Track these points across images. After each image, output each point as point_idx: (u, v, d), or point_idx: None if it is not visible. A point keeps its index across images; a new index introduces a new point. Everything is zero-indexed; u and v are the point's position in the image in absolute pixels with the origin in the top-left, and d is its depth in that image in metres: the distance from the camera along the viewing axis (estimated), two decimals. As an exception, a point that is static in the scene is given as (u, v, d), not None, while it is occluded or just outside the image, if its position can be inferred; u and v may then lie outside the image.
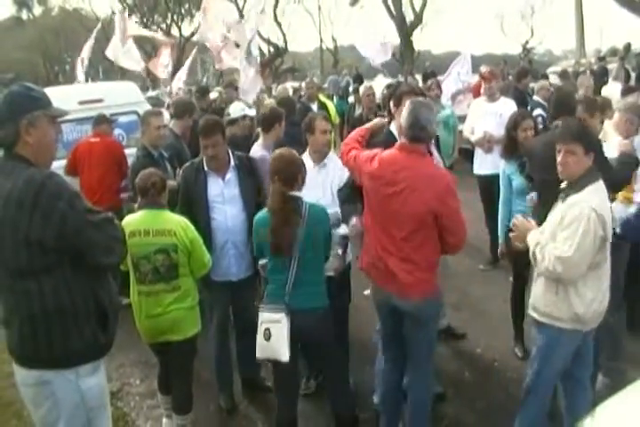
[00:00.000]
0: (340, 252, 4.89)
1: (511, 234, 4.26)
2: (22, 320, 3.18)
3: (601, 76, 16.60)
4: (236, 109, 7.32)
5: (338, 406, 4.53)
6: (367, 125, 4.93)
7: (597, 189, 3.88)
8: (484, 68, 9.20)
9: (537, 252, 3.93)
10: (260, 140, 6.27)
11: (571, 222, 3.78)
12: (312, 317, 4.23)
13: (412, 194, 4.07)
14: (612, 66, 17.69)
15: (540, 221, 4.17)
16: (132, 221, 4.51)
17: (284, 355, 4.17)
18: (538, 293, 4.09)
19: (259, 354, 4.33)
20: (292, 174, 4.27)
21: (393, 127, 4.91)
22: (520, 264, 5.09)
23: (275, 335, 4.21)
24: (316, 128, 5.25)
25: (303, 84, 14.17)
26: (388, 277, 4.25)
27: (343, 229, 4.89)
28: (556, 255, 3.78)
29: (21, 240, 3.04)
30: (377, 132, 4.92)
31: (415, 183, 4.08)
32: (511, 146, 5.92)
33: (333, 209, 5.10)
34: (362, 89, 9.87)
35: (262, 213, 4.39)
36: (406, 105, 4.27)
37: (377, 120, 5.05)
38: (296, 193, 4.27)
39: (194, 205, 5.06)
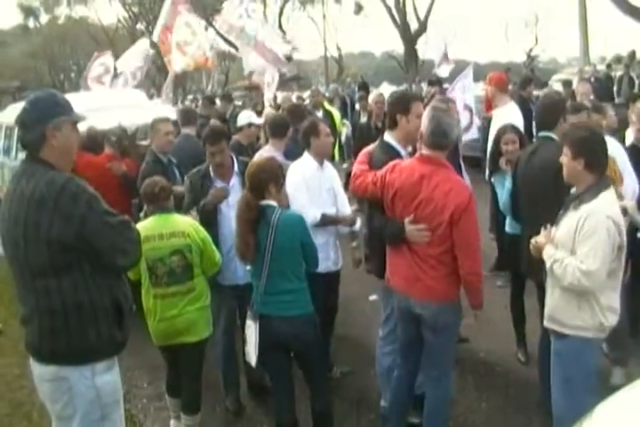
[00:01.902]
0: (354, 244, 5.35)
1: (531, 246, 4.13)
2: (42, 317, 3.29)
3: (605, 84, 16.70)
4: (242, 118, 7.41)
5: (317, 406, 4.48)
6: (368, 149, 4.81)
7: (609, 197, 3.83)
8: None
9: (555, 268, 3.85)
10: (268, 147, 6.36)
11: (591, 234, 3.71)
12: (288, 324, 4.21)
13: (429, 206, 4.07)
14: (617, 73, 17.79)
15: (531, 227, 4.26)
16: (145, 226, 4.58)
17: (253, 359, 4.28)
18: (558, 306, 3.98)
19: (245, 357, 4.46)
20: (261, 183, 4.21)
21: (389, 138, 4.75)
22: (519, 270, 5.15)
23: (247, 339, 4.32)
24: (320, 132, 5.36)
25: (307, 93, 14.36)
26: (411, 283, 4.25)
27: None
28: (582, 270, 3.70)
29: (43, 239, 3.16)
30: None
31: (432, 195, 4.05)
32: (495, 158, 5.95)
33: (334, 208, 5.38)
34: (372, 96, 9.97)
35: None
36: (426, 112, 4.25)
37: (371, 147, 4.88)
38: (268, 202, 4.21)
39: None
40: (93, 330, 3.32)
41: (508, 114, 8.05)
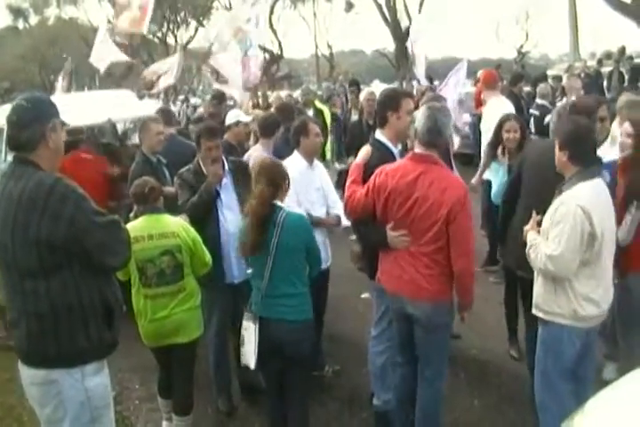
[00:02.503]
0: (352, 238, 5.32)
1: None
2: (30, 319, 3.27)
3: (596, 80, 16.71)
4: (230, 116, 7.38)
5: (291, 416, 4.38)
6: (358, 161, 4.68)
7: (590, 187, 3.90)
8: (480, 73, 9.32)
9: (531, 251, 4.05)
10: (258, 146, 6.36)
11: (559, 220, 3.87)
12: (287, 328, 4.15)
13: (424, 204, 4.06)
14: (607, 69, 17.81)
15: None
16: (134, 227, 4.57)
17: (251, 362, 4.19)
18: (539, 292, 4.13)
19: (241, 360, 4.36)
20: (277, 180, 4.21)
21: (380, 136, 4.72)
22: (512, 266, 5.14)
23: (245, 341, 4.25)
24: (310, 131, 5.40)
25: (298, 92, 14.36)
26: (403, 283, 4.24)
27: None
28: (546, 254, 3.89)
29: (32, 240, 3.15)
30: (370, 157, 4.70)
31: (427, 193, 4.05)
32: (495, 146, 6.10)
33: (325, 207, 5.42)
34: (363, 94, 9.96)
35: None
36: (422, 110, 4.26)
37: (363, 153, 4.75)
38: (276, 201, 4.19)
39: None
40: (83, 332, 3.30)
41: (500, 106, 8.11)
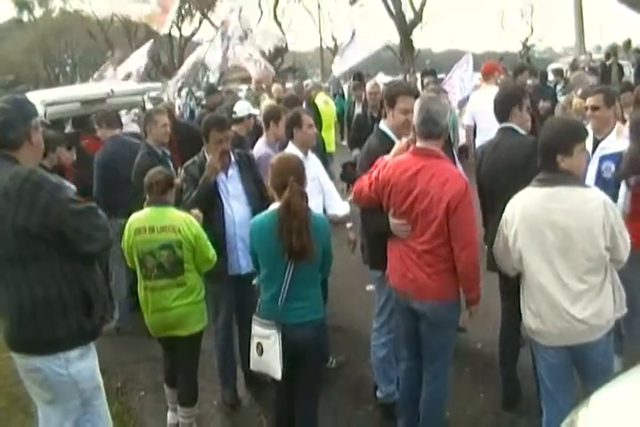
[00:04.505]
0: (348, 226, 5.64)
1: None
2: (11, 307, 3.38)
3: (601, 73, 16.65)
4: (242, 109, 7.33)
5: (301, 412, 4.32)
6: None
7: (522, 195, 3.87)
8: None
9: None
10: (263, 138, 6.37)
11: None
12: (303, 330, 4.06)
13: (425, 198, 4.00)
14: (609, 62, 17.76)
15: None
16: (138, 218, 4.60)
17: (277, 372, 4.02)
18: None
19: (252, 366, 4.22)
20: (302, 175, 4.14)
21: (384, 125, 4.81)
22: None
23: (266, 352, 4.07)
24: (303, 123, 5.47)
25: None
26: (409, 282, 4.19)
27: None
28: None
29: (9, 230, 3.24)
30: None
31: (427, 188, 4.00)
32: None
33: (319, 199, 5.44)
34: (368, 86, 9.94)
35: (260, 218, 4.19)
36: (416, 102, 4.22)
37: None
38: None
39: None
40: (62, 322, 3.38)
41: (487, 95, 8.11)
